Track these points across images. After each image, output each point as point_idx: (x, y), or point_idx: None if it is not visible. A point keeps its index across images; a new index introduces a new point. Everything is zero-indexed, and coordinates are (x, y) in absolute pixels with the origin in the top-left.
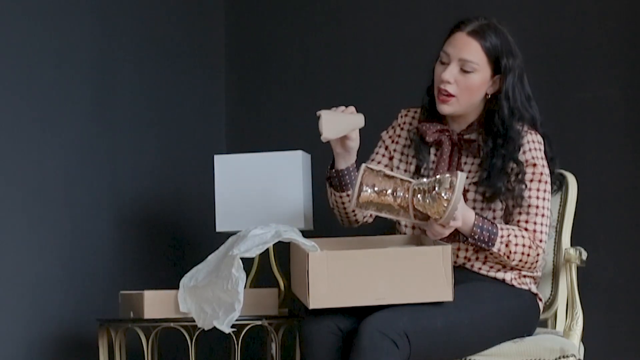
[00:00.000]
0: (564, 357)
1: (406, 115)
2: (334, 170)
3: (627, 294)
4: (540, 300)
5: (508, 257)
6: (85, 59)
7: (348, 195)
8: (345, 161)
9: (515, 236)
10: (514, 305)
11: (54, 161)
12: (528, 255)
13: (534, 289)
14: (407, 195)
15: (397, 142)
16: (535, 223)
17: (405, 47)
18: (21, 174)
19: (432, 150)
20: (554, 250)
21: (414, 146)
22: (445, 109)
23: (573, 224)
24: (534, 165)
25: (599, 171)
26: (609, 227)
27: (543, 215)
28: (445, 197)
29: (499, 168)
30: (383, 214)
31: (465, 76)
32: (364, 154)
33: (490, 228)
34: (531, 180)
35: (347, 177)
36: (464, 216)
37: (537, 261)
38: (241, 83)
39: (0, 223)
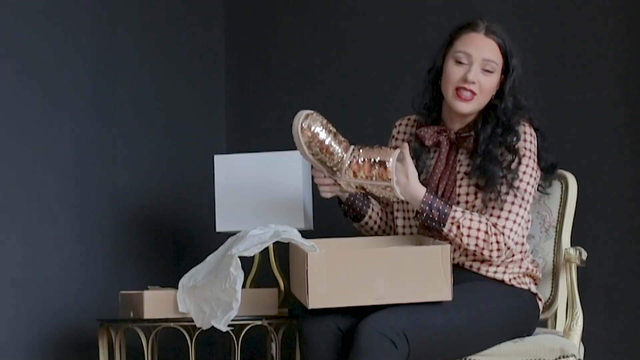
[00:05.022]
0: (564, 357)
1: (400, 124)
2: (343, 205)
3: (627, 294)
4: (540, 300)
5: (461, 239)
6: (85, 58)
7: (371, 217)
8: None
9: (471, 219)
10: (513, 305)
11: (54, 161)
12: (484, 240)
13: (533, 288)
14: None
15: None
16: (502, 210)
17: (406, 48)
18: (21, 174)
19: (431, 154)
20: (554, 250)
21: (413, 152)
22: (466, 107)
23: (573, 224)
24: (522, 155)
25: (599, 171)
26: (609, 227)
27: (513, 204)
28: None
29: (494, 155)
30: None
31: (486, 76)
32: None
33: (441, 208)
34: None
35: (356, 202)
36: (414, 190)
37: (498, 249)
38: (241, 83)
39: (0, 223)
